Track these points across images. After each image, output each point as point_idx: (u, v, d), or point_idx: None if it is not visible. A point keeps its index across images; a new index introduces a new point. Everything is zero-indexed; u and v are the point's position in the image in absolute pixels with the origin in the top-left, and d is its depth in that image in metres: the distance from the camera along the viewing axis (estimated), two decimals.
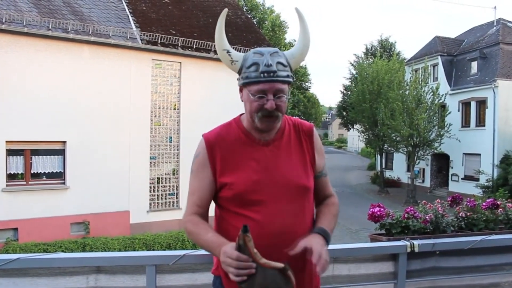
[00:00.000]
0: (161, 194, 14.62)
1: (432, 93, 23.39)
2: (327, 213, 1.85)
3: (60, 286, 2.06)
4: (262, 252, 1.62)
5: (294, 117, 1.93)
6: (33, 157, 12.57)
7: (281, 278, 1.53)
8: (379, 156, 31.06)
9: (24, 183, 12.42)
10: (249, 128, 1.79)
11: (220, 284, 1.80)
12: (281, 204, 1.70)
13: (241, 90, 1.76)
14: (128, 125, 13.64)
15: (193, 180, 1.81)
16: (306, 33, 1.80)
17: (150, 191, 14.35)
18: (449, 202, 3.12)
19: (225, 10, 1.78)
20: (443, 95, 23.66)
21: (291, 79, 1.72)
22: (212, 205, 1.85)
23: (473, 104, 24.06)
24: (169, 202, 14.75)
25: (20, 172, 12.41)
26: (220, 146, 1.77)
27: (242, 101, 1.77)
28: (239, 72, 1.75)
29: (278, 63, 1.69)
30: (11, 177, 12.25)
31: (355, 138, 54.15)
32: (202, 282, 2.16)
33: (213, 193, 1.79)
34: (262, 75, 1.66)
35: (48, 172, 12.83)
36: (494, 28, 25.84)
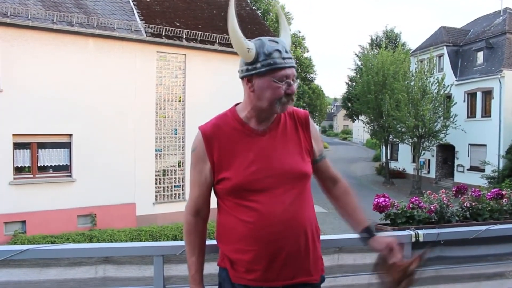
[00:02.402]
0: (167, 186, 14.69)
1: (437, 84, 23.25)
2: (355, 204, 1.98)
3: (69, 276, 2.09)
4: (266, 239, 1.69)
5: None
6: (39, 150, 12.66)
7: None
8: (384, 147, 30.96)
9: (31, 176, 12.52)
10: (246, 118, 1.79)
11: (226, 276, 1.82)
12: (281, 192, 1.72)
13: (249, 81, 1.72)
14: (133, 117, 13.69)
15: (193, 172, 1.84)
16: (286, 28, 1.88)
17: (155, 184, 14.42)
18: (454, 192, 3.12)
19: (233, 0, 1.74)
20: (448, 85, 23.51)
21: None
22: (213, 197, 1.88)
23: (479, 95, 23.90)
24: (175, 194, 14.82)
25: (27, 165, 12.51)
26: (217, 138, 1.77)
27: (252, 91, 1.72)
28: (254, 60, 1.70)
29: (289, 50, 1.76)
30: (18, 170, 12.35)
31: (360, 129, 54.02)
32: (208, 272, 2.18)
33: (212, 185, 1.81)
34: (285, 61, 1.70)
35: (55, 165, 12.92)
36: (501, 17, 25.57)
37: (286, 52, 1.71)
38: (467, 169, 24.56)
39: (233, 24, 1.70)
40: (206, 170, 1.79)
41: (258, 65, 1.69)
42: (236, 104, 1.86)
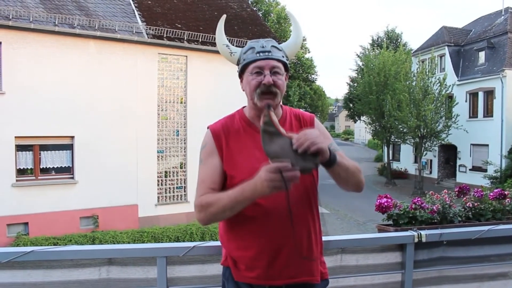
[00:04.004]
0: (169, 188, 14.70)
1: (439, 84, 23.24)
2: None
3: (73, 278, 2.10)
4: (269, 235, 1.71)
5: (295, 109, 1.98)
6: (42, 152, 12.68)
7: (291, 149, 1.54)
8: (386, 148, 30.93)
9: (34, 178, 12.55)
10: (252, 117, 1.85)
11: (229, 275, 1.85)
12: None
13: (241, 80, 1.87)
14: (135, 119, 13.70)
15: (203, 167, 1.84)
16: (297, 29, 1.97)
17: (158, 185, 14.43)
18: (456, 192, 3.11)
19: (224, 16, 2.00)
20: (450, 85, 23.49)
21: (286, 61, 1.83)
22: None
23: (480, 95, 23.88)
24: (177, 195, 14.82)
25: (29, 167, 12.53)
26: (226, 136, 1.82)
27: (243, 90, 1.86)
28: (238, 63, 1.87)
29: (273, 46, 1.81)
30: (20, 172, 12.38)
31: (362, 130, 53.96)
32: (211, 273, 2.20)
33: (223, 178, 1.81)
34: (258, 54, 1.78)
35: (57, 167, 12.94)
36: (502, 17, 25.54)
37: (262, 47, 1.79)
38: (469, 169, 24.53)
39: (218, 34, 1.95)
40: (218, 164, 1.81)
41: (239, 65, 1.85)
42: (244, 106, 1.94)
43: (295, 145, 1.53)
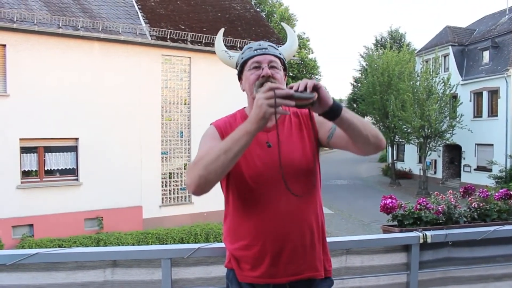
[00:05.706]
0: (173, 189, 14.71)
1: (443, 84, 23.17)
2: None
3: (78, 280, 2.11)
4: (271, 233, 1.73)
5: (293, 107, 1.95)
6: (46, 154, 12.72)
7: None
8: (390, 148, 30.84)
9: (38, 180, 12.59)
10: None
11: (233, 277, 1.85)
12: (285, 186, 1.70)
13: (241, 82, 1.91)
14: (139, 120, 13.73)
15: (204, 146, 1.76)
16: (292, 36, 2.09)
17: (162, 186, 14.45)
18: (461, 193, 3.09)
19: (222, 30, 2.16)
20: (454, 85, 23.40)
21: (283, 57, 1.88)
22: (220, 201, 1.86)
23: (485, 94, 23.78)
24: (181, 197, 14.83)
25: (34, 169, 12.58)
26: (227, 133, 1.78)
27: (243, 90, 1.89)
28: (236, 66, 1.94)
29: (269, 45, 1.86)
30: (25, 174, 12.43)
31: None
32: (216, 275, 2.20)
33: None
34: (255, 51, 1.83)
35: (61, 169, 12.98)
36: (507, 16, 25.45)
37: (259, 45, 1.85)
38: (474, 169, 24.43)
39: (217, 43, 2.08)
40: None
41: (238, 66, 1.92)
42: (245, 107, 1.97)
43: (294, 88, 1.54)
